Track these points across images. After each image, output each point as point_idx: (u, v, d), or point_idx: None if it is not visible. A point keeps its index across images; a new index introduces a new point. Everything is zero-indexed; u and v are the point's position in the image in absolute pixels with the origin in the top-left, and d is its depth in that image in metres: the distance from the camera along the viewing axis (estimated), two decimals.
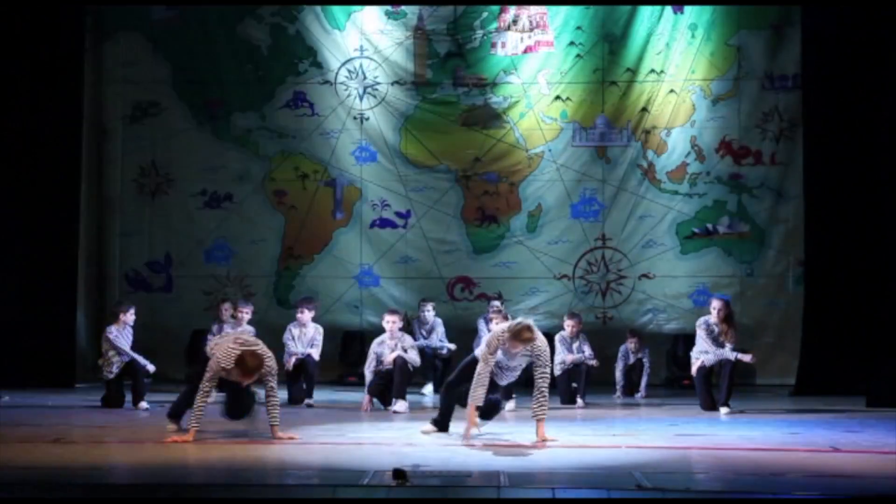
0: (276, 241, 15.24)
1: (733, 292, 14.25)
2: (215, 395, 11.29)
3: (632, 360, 13.13)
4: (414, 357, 11.35)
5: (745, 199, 14.91)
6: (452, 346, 13.38)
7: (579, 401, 11.93)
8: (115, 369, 11.34)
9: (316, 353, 11.91)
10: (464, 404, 8.81)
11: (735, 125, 14.93)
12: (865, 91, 13.33)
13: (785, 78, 14.84)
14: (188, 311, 14.91)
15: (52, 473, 7.01)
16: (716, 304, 11.43)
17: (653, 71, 15.02)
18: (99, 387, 11.91)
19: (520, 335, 8.55)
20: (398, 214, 15.26)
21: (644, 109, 15.04)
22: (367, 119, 15.29)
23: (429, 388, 12.95)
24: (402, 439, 8.67)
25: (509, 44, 15.20)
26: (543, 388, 8.56)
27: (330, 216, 15.29)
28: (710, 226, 14.96)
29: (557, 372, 11.84)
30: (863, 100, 13.38)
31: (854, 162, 13.49)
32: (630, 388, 13.00)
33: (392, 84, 15.27)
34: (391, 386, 11.11)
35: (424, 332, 13.44)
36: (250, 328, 11.86)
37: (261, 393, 8.78)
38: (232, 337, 9.09)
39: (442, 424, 9.08)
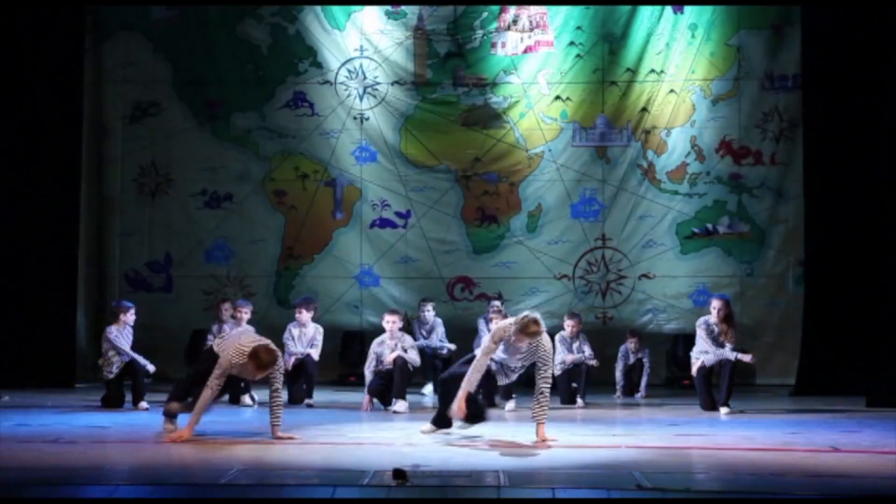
0: (276, 241, 15.24)
1: (733, 292, 14.25)
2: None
3: (632, 360, 13.13)
4: (414, 357, 11.35)
5: (745, 199, 14.91)
6: (452, 346, 13.38)
7: (579, 401, 11.93)
8: (115, 369, 11.34)
9: (315, 354, 11.91)
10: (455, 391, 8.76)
11: (735, 125, 14.94)
12: (865, 91, 13.33)
13: (785, 78, 14.84)
14: (188, 311, 14.91)
15: (52, 473, 7.01)
16: (716, 304, 11.43)
17: (653, 71, 15.02)
18: (99, 387, 11.91)
19: (526, 328, 8.50)
20: (398, 214, 15.26)
21: (644, 109, 15.04)
22: (367, 119, 15.29)
23: (429, 388, 12.95)
24: (402, 439, 8.67)
25: (509, 44, 15.20)
26: (545, 390, 8.54)
27: (330, 216, 15.29)
28: (710, 226, 14.96)
29: (557, 372, 11.83)
30: (863, 100, 13.38)
31: (854, 162, 13.49)
32: (630, 388, 13.00)
33: (392, 84, 15.27)
34: (391, 386, 11.11)
35: (424, 332, 13.44)
36: (250, 328, 11.84)
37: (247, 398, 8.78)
38: (238, 336, 9.12)
39: (441, 420, 9.01)
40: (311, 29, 15.24)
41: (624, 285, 15.05)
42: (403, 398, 11.09)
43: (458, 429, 8.81)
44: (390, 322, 11.38)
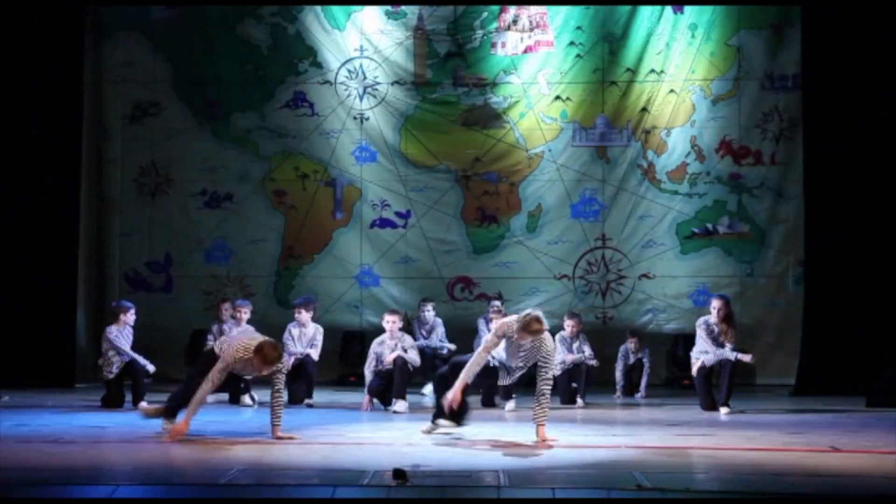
0: (276, 241, 15.24)
1: (733, 292, 14.25)
2: (215, 397, 11.42)
3: (632, 360, 13.13)
4: (414, 357, 11.35)
5: (745, 199, 14.91)
6: (452, 346, 13.37)
7: (579, 401, 11.93)
8: (115, 369, 11.34)
9: (315, 354, 11.90)
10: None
11: (735, 125, 14.94)
12: (865, 91, 13.33)
13: (785, 78, 14.84)
14: (188, 311, 14.91)
15: (52, 473, 7.01)
16: (716, 304, 11.43)
17: (653, 71, 15.03)
18: (99, 387, 11.92)
19: (529, 326, 8.48)
20: (398, 214, 15.26)
21: (644, 109, 15.05)
22: (367, 119, 15.29)
23: (429, 389, 12.92)
24: (402, 439, 8.67)
25: (509, 44, 15.20)
26: (545, 392, 8.51)
27: (330, 216, 15.29)
28: (710, 226, 14.96)
29: (557, 372, 11.82)
30: (863, 100, 13.39)
31: (854, 162, 13.49)
32: (630, 388, 13.00)
33: (392, 84, 15.27)
34: (391, 386, 11.11)
35: (424, 332, 13.44)
36: (250, 328, 11.84)
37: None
38: (241, 334, 9.15)
39: (441, 414, 8.94)
40: (311, 29, 15.25)
41: (624, 285, 15.05)
42: (403, 398, 11.09)
43: (445, 429, 8.78)
44: (390, 322, 11.38)
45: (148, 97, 15.27)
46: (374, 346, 11.40)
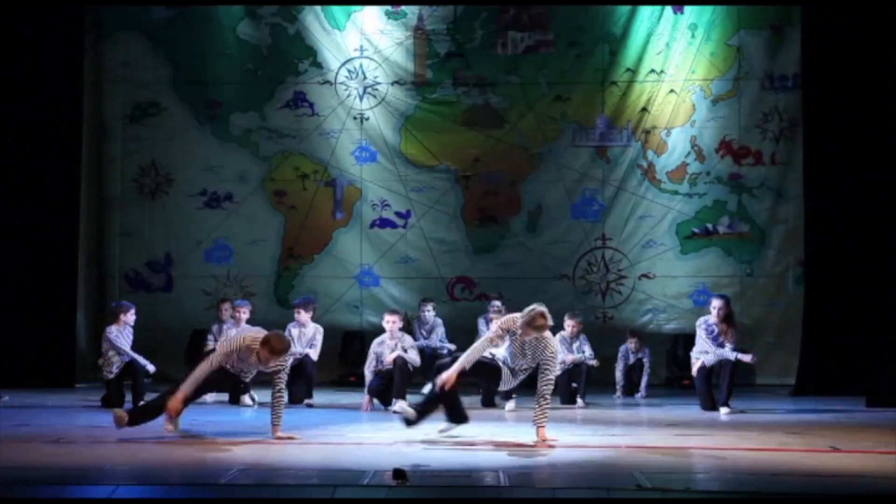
0: (276, 241, 15.25)
1: (733, 292, 14.24)
2: (215, 397, 11.42)
3: (632, 360, 13.13)
4: (414, 357, 11.35)
5: (745, 199, 14.91)
6: (452, 346, 13.34)
7: (579, 401, 11.93)
8: (115, 369, 11.35)
9: (314, 354, 11.90)
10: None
11: (735, 125, 14.94)
12: (865, 91, 13.34)
13: (785, 78, 14.84)
14: (188, 311, 14.91)
15: (52, 473, 7.01)
16: (716, 304, 11.43)
17: (653, 71, 15.03)
18: (99, 387, 11.92)
19: (534, 321, 8.45)
20: (398, 214, 15.26)
21: (644, 109, 15.05)
22: (367, 119, 15.29)
23: (429, 388, 12.91)
24: (402, 439, 8.67)
25: (509, 44, 15.20)
26: (546, 394, 8.49)
27: (330, 216, 15.30)
28: (710, 226, 14.97)
29: (557, 372, 11.79)
30: (863, 100, 13.39)
31: (854, 162, 13.49)
32: (630, 388, 13.00)
33: (392, 84, 15.27)
34: (391, 386, 11.11)
35: (424, 333, 13.44)
36: (249, 328, 11.83)
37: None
38: (243, 330, 9.16)
39: (454, 414, 8.86)
40: (311, 29, 15.25)
41: (624, 285, 15.05)
42: (403, 398, 11.05)
43: (440, 431, 8.77)
44: (390, 322, 11.38)
45: (148, 97, 15.27)
46: (374, 346, 11.40)
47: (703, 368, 11.38)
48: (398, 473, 6.55)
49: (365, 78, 15.29)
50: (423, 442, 8.55)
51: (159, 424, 9.00)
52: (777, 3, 14.75)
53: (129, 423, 8.63)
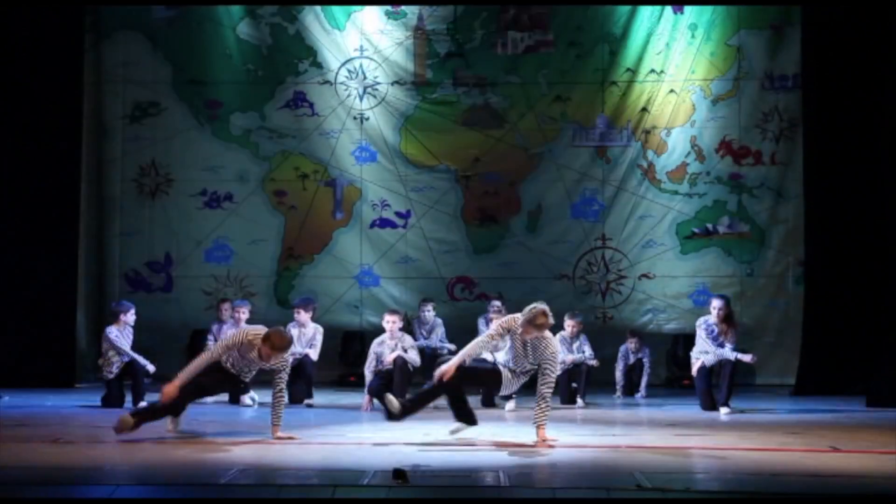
0: (276, 241, 15.25)
1: (733, 292, 14.25)
2: (215, 397, 11.41)
3: (632, 360, 13.13)
4: (414, 357, 11.35)
5: (745, 199, 14.91)
6: (452, 347, 13.33)
7: (579, 401, 11.93)
8: (115, 369, 11.35)
9: (314, 354, 11.90)
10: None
11: (735, 125, 14.94)
12: (865, 91, 13.34)
13: (785, 78, 14.84)
14: (188, 311, 14.92)
15: (52, 473, 7.01)
16: (716, 304, 11.43)
17: (653, 71, 15.03)
18: (99, 387, 11.92)
19: (535, 319, 8.45)
20: (398, 214, 15.26)
21: (644, 109, 15.05)
22: (367, 119, 15.29)
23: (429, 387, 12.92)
24: (402, 439, 8.67)
25: (509, 44, 15.20)
26: (546, 395, 8.48)
27: (330, 216, 15.30)
28: (710, 226, 14.97)
29: (558, 372, 11.79)
30: (863, 100, 13.39)
31: (854, 162, 13.49)
32: (630, 388, 13.01)
33: (392, 84, 15.27)
34: (391, 386, 11.09)
35: (425, 333, 13.44)
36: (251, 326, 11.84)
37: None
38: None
39: (463, 414, 8.83)
40: (311, 29, 15.25)
41: (624, 285, 15.05)
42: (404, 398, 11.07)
43: (451, 432, 8.75)
44: (390, 322, 11.38)
45: (148, 97, 15.26)
46: (374, 346, 11.40)
47: (703, 368, 11.38)
48: (398, 473, 6.55)
49: (365, 78, 15.30)
50: (424, 442, 8.54)
51: (159, 424, 9.01)
52: (777, 3, 14.75)
53: (135, 426, 8.57)
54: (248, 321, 12.04)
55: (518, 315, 8.60)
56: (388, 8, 15.25)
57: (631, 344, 13.15)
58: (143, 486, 6.72)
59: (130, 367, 11.30)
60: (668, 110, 15.01)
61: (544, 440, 8.44)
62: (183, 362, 13.32)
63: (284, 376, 8.76)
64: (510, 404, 11.28)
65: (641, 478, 6.72)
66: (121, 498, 6.36)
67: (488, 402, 11.61)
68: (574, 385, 12.03)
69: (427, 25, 15.23)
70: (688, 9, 14.95)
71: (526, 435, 8.68)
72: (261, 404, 11.21)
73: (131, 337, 11.57)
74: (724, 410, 11.04)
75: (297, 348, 11.80)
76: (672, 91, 15.00)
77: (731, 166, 14.93)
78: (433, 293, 14.64)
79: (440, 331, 13.51)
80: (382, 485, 6.50)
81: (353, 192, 15.29)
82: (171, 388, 8.62)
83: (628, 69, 15.06)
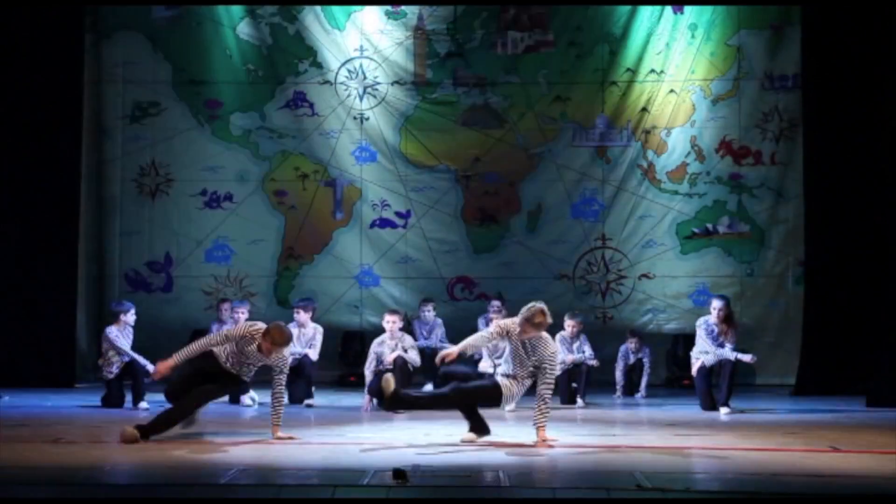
0: (276, 241, 15.24)
1: (733, 292, 14.25)
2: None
3: (632, 360, 13.13)
4: (414, 357, 11.36)
5: (745, 199, 14.91)
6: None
7: (579, 401, 11.93)
8: (115, 369, 11.35)
9: (313, 354, 11.90)
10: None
11: (735, 125, 14.94)
12: (865, 91, 13.34)
13: (785, 78, 14.84)
14: (188, 311, 14.92)
15: (52, 473, 7.01)
16: (716, 304, 11.43)
17: (653, 71, 15.03)
18: (99, 387, 11.92)
19: (533, 318, 8.44)
20: (398, 214, 15.26)
21: (644, 109, 15.05)
22: (367, 119, 15.29)
23: (429, 388, 12.92)
24: (402, 439, 8.67)
25: (509, 44, 15.20)
26: (546, 397, 8.47)
27: (330, 216, 15.30)
28: (710, 226, 14.97)
29: (557, 372, 11.79)
30: (863, 100, 13.39)
31: (854, 162, 13.49)
32: (630, 388, 13.01)
33: (392, 84, 15.27)
34: None
35: (425, 333, 13.44)
36: None
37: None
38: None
39: (475, 423, 8.79)
40: (311, 29, 15.25)
41: (624, 285, 15.05)
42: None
43: (462, 441, 8.71)
44: (390, 322, 11.39)
45: (148, 97, 15.26)
46: (375, 346, 11.40)
47: (703, 368, 11.39)
48: (398, 473, 6.55)
49: (365, 78, 15.29)
50: (424, 442, 8.54)
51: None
52: (777, 3, 14.75)
53: (142, 437, 8.49)
54: (246, 321, 12.04)
55: (515, 319, 8.61)
56: (388, 8, 15.24)
57: (631, 344, 13.15)
58: (144, 486, 6.72)
59: (130, 367, 11.30)
60: (668, 110, 15.01)
61: (544, 440, 8.44)
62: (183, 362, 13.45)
63: (283, 376, 8.76)
64: (510, 405, 11.26)
65: (641, 478, 6.72)
66: (121, 498, 6.36)
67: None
68: (574, 385, 12.04)
69: (427, 25, 15.23)
70: (688, 9, 14.95)
71: (526, 435, 8.68)
72: (261, 404, 11.21)
73: (131, 337, 11.57)
74: (724, 410, 11.04)
75: (296, 348, 11.80)
76: (672, 91, 15.00)
77: (731, 166, 14.94)
78: (433, 293, 14.64)
79: (440, 331, 13.51)
80: (382, 485, 6.50)
81: (353, 192, 15.29)
82: (162, 366, 8.69)
83: (628, 69, 15.06)
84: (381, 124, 15.26)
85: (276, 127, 15.26)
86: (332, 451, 8.22)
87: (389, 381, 8.54)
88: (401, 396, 8.72)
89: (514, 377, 8.64)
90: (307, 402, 11.59)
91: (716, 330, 11.35)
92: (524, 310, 8.53)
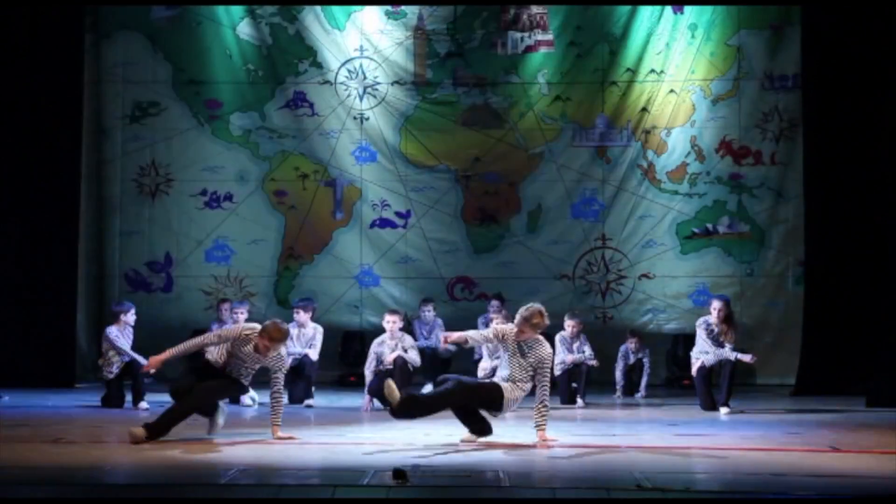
0: (276, 241, 15.25)
1: (733, 292, 14.26)
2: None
3: (632, 360, 13.13)
4: (414, 357, 11.36)
5: (745, 199, 14.92)
6: (452, 347, 13.34)
7: (579, 401, 11.93)
8: (115, 369, 11.35)
9: (313, 354, 11.91)
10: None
11: (735, 125, 14.94)
12: (865, 91, 13.33)
13: (785, 78, 14.84)
14: (188, 311, 14.92)
15: (52, 473, 7.01)
16: (716, 305, 11.43)
17: (653, 71, 15.03)
18: (99, 387, 11.93)
19: (531, 318, 8.45)
20: (398, 214, 15.26)
21: (644, 109, 15.05)
22: (367, 119, 15.29)
23: (428, 389, 12.92)
24: (402, 439, 8.67)
25: (509, 44, 15.20)
26: (545, 398, 8.47)
27: (330, 216, 15.30)
28: (710, 226, 14.97)
29: (557, 372, 11.82)
30: (863, 100, 13.38)
31: (854, 162, 13.49)
32: (630, 388, 13.00)
33: (392, 84, 15.27)
34: None
35: (425, 333, 13.44)
36: None
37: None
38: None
39: (475, 424, 8.79)
40: (311, 29, 15.25)
41: (624, 285, 15.05)
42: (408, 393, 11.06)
43: (462, 441, 8.71)
44: (390, 322, 11.39)
45: (148, 97, 15.26)
46: (375, 347, 11.40)
47: (702, 368, 11.38)
48: (398, 473, 6.55)
49: (365, 78, 15.30)
50: (423, 442, 8.54)
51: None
52: (777, 3, 14.75)
53: (148, 438, 8.46)
54: (248, 321, 12.04)
55: (511, 325, 8.64)
56: (388, 8, 15.25)
57: (631, 344, 13.15)
58: (143, 486, 6.72)
59: (130, 367, 11.30)
60: (668, 110, 15.01)
61: (545, 440, 8.44)
62: (183, 363, 13.47)
63: (281, 376, 8.75)
64: (510, 410, 11.25)
65: (641, 478, 6.72)
66: (122, 498, 6.36)
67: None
68: (574, 385, 12.03)
69: (427, 25, 15.23)
70: (688, 9, 14.96)
71: (526, 435, 8.68)
72: (261, 404, 11.22)
73: (131, 337, 11.57)
74: (724, 410, 11.05)
75: (296, 348, 11.81)
76: (672, 91, 15.00)
77: (731, 166, 14.94)
78: (433, 293, 14.64)
79: (440, 331, 13.48)
80: (382, 485, 6.50)
81: (353, 192, 15.29)
82: (154, 360, 8.82)
83: (628, 69, 15.06)
84: (381, 124, 15.27)
85: (276, 127, 15.26)
86: (332, 451, 8.22)
87: (393, 388, 8.41)
88: (409, 402, 8.60)
89: (512, 381, 8.63)
90: (307, 402, 11.59)
91: (716, 330, 11.35)
92: (522, 310, 8.55)
